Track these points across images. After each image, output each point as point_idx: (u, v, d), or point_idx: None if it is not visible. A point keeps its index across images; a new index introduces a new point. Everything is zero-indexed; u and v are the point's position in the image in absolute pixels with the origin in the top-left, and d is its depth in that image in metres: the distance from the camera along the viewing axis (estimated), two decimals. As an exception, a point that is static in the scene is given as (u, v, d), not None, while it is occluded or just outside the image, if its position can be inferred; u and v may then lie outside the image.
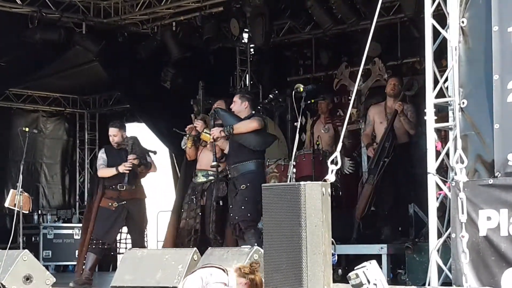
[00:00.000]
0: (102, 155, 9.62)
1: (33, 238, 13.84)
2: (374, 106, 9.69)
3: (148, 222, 9.77)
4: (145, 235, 9.56)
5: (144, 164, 9.39)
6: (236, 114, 8.60)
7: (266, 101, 9.04)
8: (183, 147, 9.39)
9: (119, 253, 9.92)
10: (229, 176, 8.62)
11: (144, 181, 9.71)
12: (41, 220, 14.47)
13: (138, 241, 9.43)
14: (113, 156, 9.50)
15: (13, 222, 9.18)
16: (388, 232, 9.20)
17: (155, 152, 9.91)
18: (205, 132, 8.93)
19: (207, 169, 8.98)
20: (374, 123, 9.49)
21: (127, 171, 9.24)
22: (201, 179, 9.07)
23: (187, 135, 9.10)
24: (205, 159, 9.01)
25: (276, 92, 9.08)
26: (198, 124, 9.03)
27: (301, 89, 7.69)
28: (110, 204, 9.36)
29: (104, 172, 9.51)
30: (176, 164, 12.64)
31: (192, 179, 9.22)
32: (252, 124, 8.45)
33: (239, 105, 8.61)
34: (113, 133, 9.51)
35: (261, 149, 8.65)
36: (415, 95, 9.93)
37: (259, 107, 8.83)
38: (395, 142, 9.14)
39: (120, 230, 9.59)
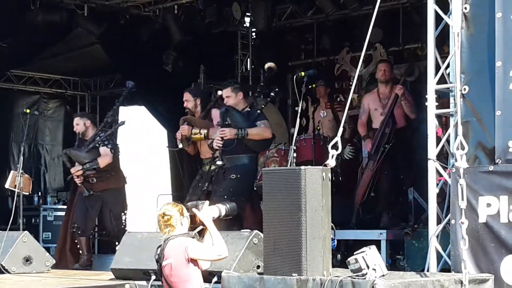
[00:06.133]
0: None
1: (33, 220, 13.84)
2: (367, 94, 9.70)
3: (140, 204, 9.80)
4: (121, 221, 9.53)
5: (88, 168, 9.38)
6: (243, 113, 8.54)
7: (269, 99, 9.00)
8: (180, 147, 9.29)
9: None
10: (223, 166, 8.57)
11: (143, 165, 9.72)
12: (41, 202, 14.49)
13: (110, 227, 9.47)
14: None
15: (13, 204, 9.19)
16: (387, 218, 9.22)
17: (122, 123, 9.84)
18: (194, 134, 8.86)
19: (211, 157, 8.93)
20: (369, 110, 9.50)
21: (80, 182, 9.36)
22: (209, 166, 9.01)
23: (180, 144, 9.01)
24: (206, 148, 8.94)
25: (277, 90, 9.10)
26: (184, 129, 8.94)
27: (303, 74, 7.69)
28: (85, 190, 9.40)
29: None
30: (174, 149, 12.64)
31: (201, 168, 9.14)
32: (265, 134, 8.46)
33: (234, 98, 8.56)
34: (75, 122, 9.59)
35: (262, 151, 8.68)
36: (415, 81, 9.93)
37: (256, 94, 8.75)
38: (395, 128, 9.15)
39: (95, 219, 9.61)
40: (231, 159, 8.46)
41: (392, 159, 9.19)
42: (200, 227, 5.60)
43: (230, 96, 8.58)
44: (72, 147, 9.89)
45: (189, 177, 9.51)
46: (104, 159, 9.37)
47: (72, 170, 9.41)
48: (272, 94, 8.98)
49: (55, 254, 9.80)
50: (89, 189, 9.38)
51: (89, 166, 9.33)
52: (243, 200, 8.29)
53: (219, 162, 8.52)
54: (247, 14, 12.05)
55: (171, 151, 12.79)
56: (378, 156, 9.13)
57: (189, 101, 9.07)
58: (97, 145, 9.40)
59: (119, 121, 9.93)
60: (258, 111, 8.54)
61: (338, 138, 5.81)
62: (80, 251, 9.44)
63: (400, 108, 9.23)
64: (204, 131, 8.79)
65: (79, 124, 9.57)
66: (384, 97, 9.33)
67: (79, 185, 9.40)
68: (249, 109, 8.57)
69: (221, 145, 8.42)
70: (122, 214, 9.58)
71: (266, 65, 9.10)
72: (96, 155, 9.38)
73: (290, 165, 7.21)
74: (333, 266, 5.68)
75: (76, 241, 9.47)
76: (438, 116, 6.34)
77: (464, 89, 6.15)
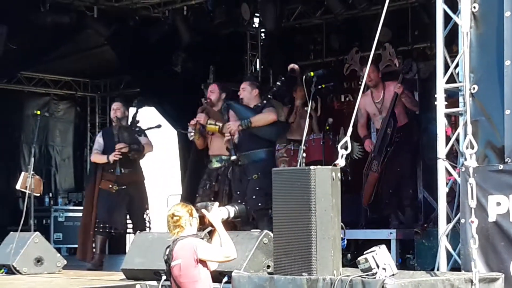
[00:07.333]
0: (98, 139, 9.77)
1: (44, 221, 13.92)
2: (362, 97, 9.53)
3: (150, 204, 9.84)
4: (145, 217, 9.59)
5: (135, 149, 9.46)
6: (249, 106, 8.59)
7: (275, 88, 9.04)
8: (190, 139, 9.36)
9: (129, 233, 10.01)
10: (240, 163, 8.62)
11: (153, 165, 9.77)
12: (52, 203, 14.55)
13: (138, 224, 9.48)
14: (110, 140, 9.59)
15: (24, 205, 9.24)
16: (396, 218, 9.22)
17: (159, 126, 9.91)
18: (209, 124, 8.91)
19: (220, 154, 8.95)
20: (367, 114, 9.49)
21: (117, 159, 9.34)
22: (215, 164, 9.02)
23: (193, 131, 9.08)
24: (217, 145, 8.99)
25: (283, 79, 9.12)
26: (201, 118, 8.98)
27: (312, 74, 7.70)
28: (110, 186, 9.45)
29: (96, 158, 9.67)
30: (184, 148, 12.68)
31: (208, 165, 9.19)
32: (270, 117, 8.49)
33: (249, 92, 8.63)
34: (116, 107, 9.60)
35: (277, 139, 8.69)
36: (426, 79, 9.92)
37: (269, 96, 8.84)
38: (396, 127, 9.14)
39: (125, 215, 9.67)
40: (248, 156, 8.49)
41: (397, 159, 9.18)
42: (209, 228, 5.62)
43: (245, 89, 8.64)
44: (81, 147, 9.94)
45: (193, 176, 9.58)
46: (148, 147, 9.59)
47: (118, 146, 9.41)
48: (278, 83, 9.02)
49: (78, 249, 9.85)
50: (115, 184, 9.42)
51: (136, 147, 9.46)
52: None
53: (233, 157, 8.56)
54: (256, 14, 12.06)
55: (181, 151, 12.83)
56: (382, 158, 9.12)
57: (214, 92, 9.07)
58: (136, 134, 9.55)
59: (156, 124, 10.01)
60: (265, 101, 8.59)
61: (347, 138, 5.81)
62: (94, 249, 9.48)
63: (400, 105, 9.22)
64: (219, 124, 8.84)
65: (120, 109, 9.62)
66: (379, 100, 9.33)
67: (117, 159, 9.37)
68: (259, 104, 8.61)
69: (230, 138, 8.47)
70: (146, 208, 9.67)
71: (289, 66, 9.11)
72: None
73: (300, 165, 7.22)
74: (343, 265, 5.68)
75: (93, 238, 9.50)
76: (447, 116, 6.34)
77: (473, 88, 6.15)
